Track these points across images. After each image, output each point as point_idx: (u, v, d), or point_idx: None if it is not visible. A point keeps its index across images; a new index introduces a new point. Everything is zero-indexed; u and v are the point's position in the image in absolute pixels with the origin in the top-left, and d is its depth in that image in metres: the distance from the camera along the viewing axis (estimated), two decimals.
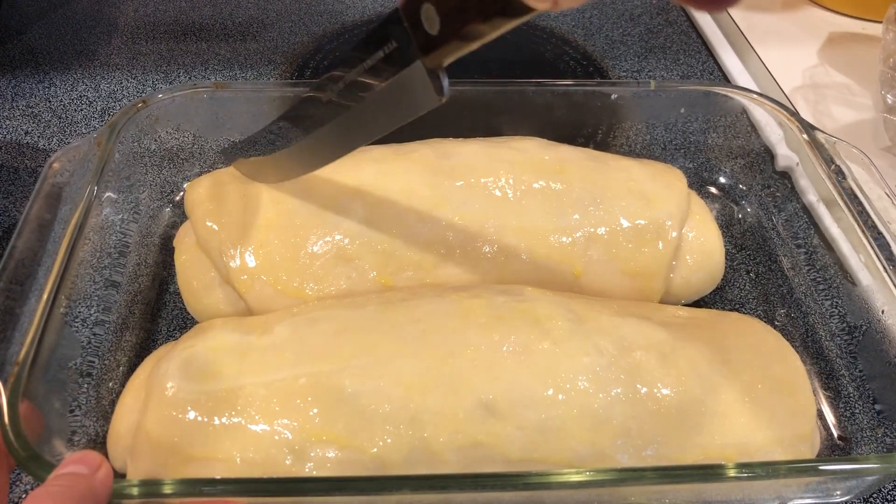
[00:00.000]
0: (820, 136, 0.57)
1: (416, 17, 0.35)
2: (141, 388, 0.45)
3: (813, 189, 0.62)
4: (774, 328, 0.51)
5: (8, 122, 0.74)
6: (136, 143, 0.59)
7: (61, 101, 0.77)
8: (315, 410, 0.41)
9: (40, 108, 0.76)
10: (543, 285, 0.51)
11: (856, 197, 0.53)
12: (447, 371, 0.42)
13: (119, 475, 0.41)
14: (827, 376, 0.54)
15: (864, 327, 0.53)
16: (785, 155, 0.63)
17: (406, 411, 0.41)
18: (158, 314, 0.57)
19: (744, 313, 0.56)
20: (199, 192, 0.54)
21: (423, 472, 0.41)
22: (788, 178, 0.63)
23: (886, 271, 0.49)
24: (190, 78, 0.81)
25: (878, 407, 0.50)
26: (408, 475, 0.40)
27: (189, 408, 0.42)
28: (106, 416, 0.48)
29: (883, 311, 0.51)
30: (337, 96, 0.43)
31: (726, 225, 0.66)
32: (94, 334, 0.51)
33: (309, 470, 0.41)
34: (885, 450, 0.48)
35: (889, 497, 0.49)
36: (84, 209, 0.49)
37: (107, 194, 0.54)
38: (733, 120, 0.65)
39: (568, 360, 0.43)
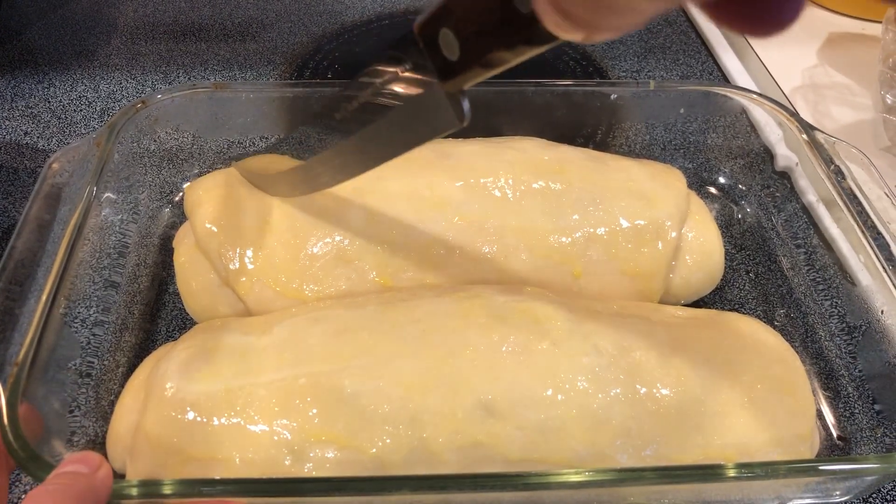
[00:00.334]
0: (819, 136, 0.57)
1: (434, 41, 0.33)
2: (140, 389, 0.45)
3: (812, 189, 0.62)
4: (774, 328, 0.51)
5: (7, 122, 0.74)
6: (135, 144, 0.59)
7: (61, 101, 0.77)
8: (314, 411, 0.41)
9: (40, 108, 0.76)
10: (543, 285, 0.51)
11: (855, 197, 0.53)
12: (447, 371, 0.42)
13: (118, 476, 0.41)
14: (826, 376, 0.54)
15: (864, 327, 0.53)
16: (784, 155, 0.63)
17: (405, 411, 0.41)
18: (158, 315, 0.57)
19: (743, 313, 0.56)
20: (199, 194, 0.54)
21: (422, 473, 0.41)
22: (788, 178, 0.63)
23: (886, 271, 0.49)
24: (189, 78, 0.81)
25: (877, 407, 0.50)
26: (407, 475, 0.40)
27: (188, 408, 0.42)
28: (105, 416, 0.48)
29: (882, 312, 0.51)
30: (351, 116, 0.41)
31: (726, 225, 0.66)
32: (94, 335, 0.51)
33: (308, 470, 0.41)
34: (884, 450, 0.48)
35: (889, 497, 0.49)
36: (83, 210, 0.49)
37: (106, 195, 0.54)
38: (733, 120, 0.65)
39: (567, 361, 0.43)
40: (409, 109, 0.37)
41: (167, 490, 0.37)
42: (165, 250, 0.61)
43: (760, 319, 0.53)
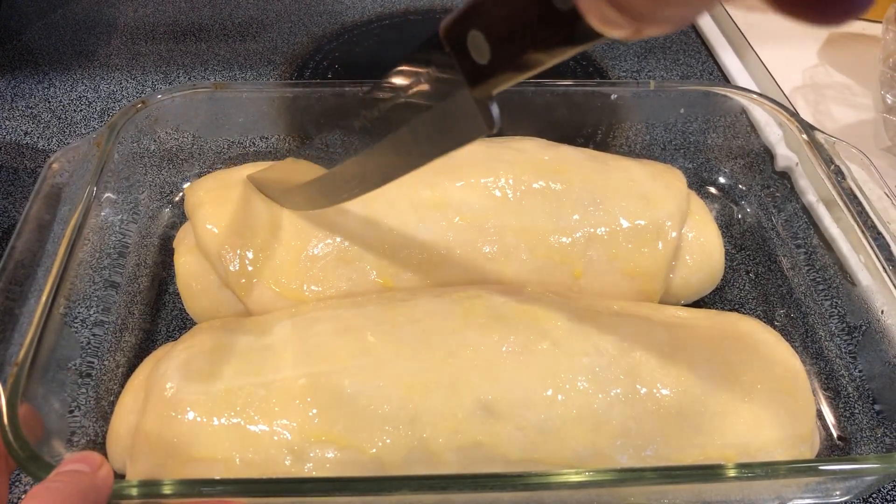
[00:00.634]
0: (819, 136, 0.57)
1: (462, 44, 0.31)
2: (140, 389, 0.45)
3: (812, 189, 0.62)
4: (774, 328, 0.51)
5: (7, 122, 0.74)
6: (135, 144, 0.59)
7: (61, 101, 0.77)
8: (314, 411, 0.41)
9: (40, 108, 0.76)
10: (543, 285, 0.51)
11: (855, 197, 0.53)
12: (447, 371, 0.42)
13: (118, 476, 0.41)
14: (826, 376, 0.54)
15: (864, 327, 0.53)
16: (784, 155, 0.63)
17: (405, 411, 0.41)
18: (158, 315, 0.57)
19: (743, 313, 0.56)
20: (200, 195, 0.54)
21: (422, 473, 0.41)
22: (788, 178, 0.63)
23: (886, 271, 0.49)
24: (189, 78, 0.81)
25: (877, 407, 0.50)
26: (407, 475, 0.40)
27: (188, 408, 0.42)
28: (105, 416, 0.48)
29: (882, 312, 0.51)
30: (372, 125, 0.39)
31: (726, 225, 0.66)
32: (94, 335, 0.51)
33: (308, 470, 0.41)
34: (884, 450, 0.48)
35: (889, 497, 0.49)
36: (83, 210, 0.49)
37: (106, 195, 0.54)
38: (733, 120, 0.65)
39: (567, 361, 0.43)
40: (434, 117, 0.35)
41: (167, 490, 0.37)
42: (165, 250, 0.61)
43: (760, 319, 0.53)
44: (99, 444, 0.46)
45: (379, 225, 0.51)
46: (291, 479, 0.40)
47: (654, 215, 0.53)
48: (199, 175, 0.64)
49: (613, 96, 0.64)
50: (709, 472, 0.39)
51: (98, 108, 0.76)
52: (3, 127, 0.73)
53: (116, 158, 0.55)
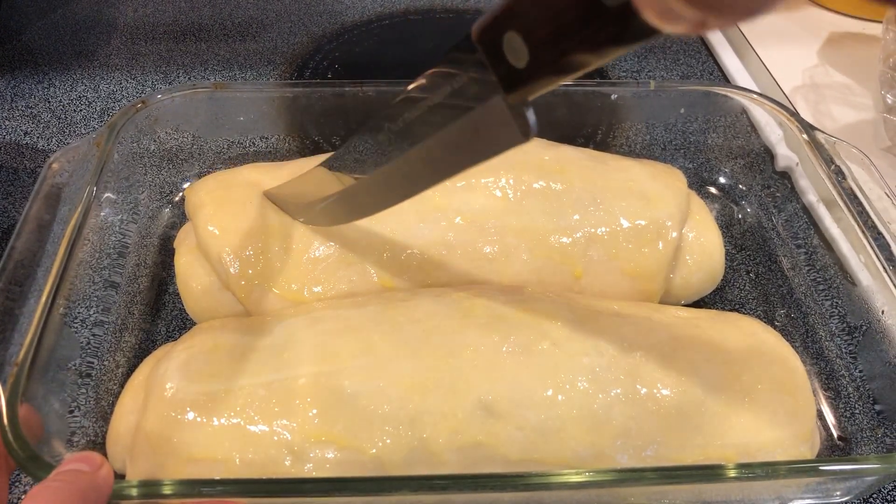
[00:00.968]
0: (820, 136, 0.57)
1: (497, 46, 0.29)
2: (140, 389, 0.45)
3: (813, 189, 0.62)
4: (774, 328, 0.51)
5: (7, 122, 0.74)
6: (135, 144, 0.59)
7: (60, 101, 0.77)
8: (314, 411, 0.41)
9: (39, 108, 0.76)
10: (544, 285, 0.51)
11: (856, 197, 0.53)
12: (447, 371, 0.42)
13: (118, 476, 0.41)
14: (827, 376, 0.54)
15: (864, 327, 0.53)
16: (785, 155, 0.63)
17: (405, 412, 0.41)
18: (158, 315, 0.57)
19: (744, 314, 0.56)
20: (201, 196, 0.54)
21: (422, 473, 0.41)
22: (788, 178, 0.63)
23: (886, 271, 0.49)
24: (189, 78, 0.81)
25: (877, 407, 0.50)
26: (407, 476, 0.40)
27: (188, 408, 0.42)
28: (105, 416, 0.48)
29: (883, 312, 0.51)
30: (398, 136, 0.37)
31: (726, 225, 0.66)
32: (94, 335, 0.51)
33: (308, 470, 0.41)
34: (884, 450, 0.48)
35: (889, 497, 0.49)
36: (83, 210, 0.49)
37: (106, 195, 0.54)
38: (733, 120, 0.65)
39: (568, 361, 0.43)
40: (465, 125, 0.33)
41: (167, 490, 0.37)
42: (165, 251, 0.60)
43: (761, 320, 0.53)
44: (99, 444, 0.46)
45: (380, 226, 0.51)
46: (291, 480, 0.40)
47: (654, 215, 0.53)
48: (199, 175, 0.64)
49: (613, 96, 0.64)
50: (709, 473, 0.39)
51: (98, 108, 0.76)
52: (3, 127, 0.73)
53: (116, 158, 0.55)
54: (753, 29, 0.88)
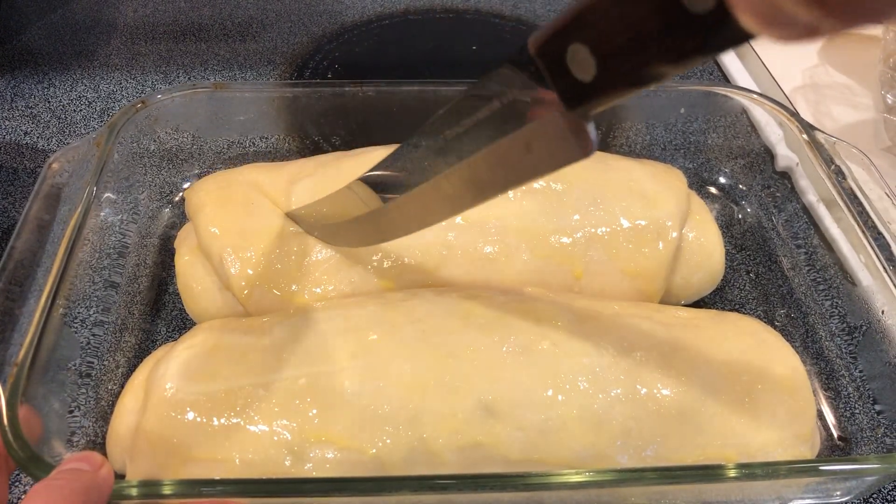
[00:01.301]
0: (820, 136, 0.57)
1: (559, 59, 0.27)
2: (140, 389, 0.45)
3: (813, 189, 0.62)
4: (774, 328, 0.51)
5: (7, 122, 0.74)
6: (135, 144, 0.59)
7: (60, 101, 0.77)
8: (314, 411, 0.41)
9: (39, 108, 0.76)
10: (544, 286, 0.51)
11: (856, 197, 0.53)
12: (447, 371, 0.42)
13: (118, 476, 0.41)
14: (827, 376, 0.54)
15: (865, 328, 0.53)
16: (785, 155, 0.63)
17: (405, 412, 0.41)
18: (157, 315, 0.57)
19: (744, 314, 0.56)
20: (201, 196, 0.54)
21: (422, 473, 0.41)
22: (788, 178, 0.63)
23: (886, 271, 0.49)
24: (189, 78, 0.81)
25: (878, 407, 0.50)
26: (407, 476, 0.40)
27: (188, 408, 0.42)
28: (105, 416, 0.48)
29: (883, 312, 0.51)
30: (435, 154, 0.36)
31: (726, 225, 0.66)
32: (94, 335, 0.51)
33: (308, 470, 0.41)
34: (884, 450, 0.48)
35: (889, 497, 0.49)
36: (83, 210, 0.49)
37: (106, 195, 0.54)
38: (733, 120, 0.65)
39: (568, 361, 0.43)
40: (514, 142, 0.31)
41: (167, 490, 0.37)
42: (165, 251, 0.60)
43: (761, 320, 0.53)
44: (99, 445, 0.46)
45: None
46: (291, 480, 0.40)
47: (654, 215, 0.53)
48: (199, 175, 0.64)
49: None
50: (709, 473, 0.39)
51: (98, 108, 0.76)
52: (3, 127, 0.73)
53: (116, 158, 0.55)
54: None
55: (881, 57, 0.72)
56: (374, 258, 0.51)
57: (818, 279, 0.58)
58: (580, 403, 0.42)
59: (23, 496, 0.46)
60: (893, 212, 0.52)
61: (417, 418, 0.41)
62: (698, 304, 0.58)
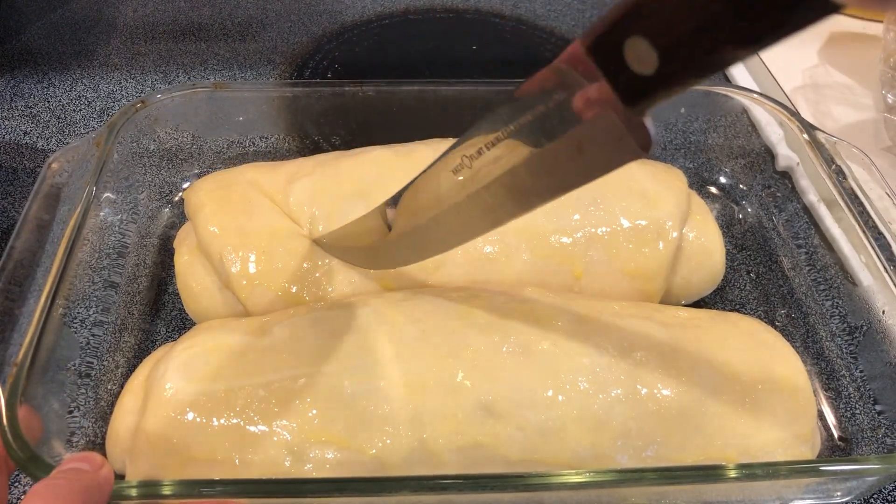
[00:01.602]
0: (820, 136, 0.57)
1: (615, 55, 0.26)
2: (140, 389, 0.45)
3: (813, 189, 0.62)
4: (775, 328, 0.51)
5: (7, 122, 0.74)
6: (134, 144, 0.59)
7: (60, 101, 0.77)
8: (314, 411, 0.41)
9: (39, 108, 0.76)
10: (544, 286, 0.51)
11: (856, 197, 0.53)
12: (447, 371, 0.42)
13: (118, 476, 0.41)
14: (827, 377, 0.54)
15: (865, 328, 0.53)
16: (785, 155, 0.63)
17: (405, 412, 0.41)
18: (157, 315, 0.57)
19: (744, 314, 0.56)
20: (201, 196, 0.54)
21: (422, 473, 0.41)
22: (789, 178, 0.63)
23: (887, 271, 0.49)
24: (189, 78, 0.81)
25: (878, 407, 0.50)
26: (407, 476, 0.40)
27: (188, 409, 0.42)
28: (105, 417, 0.47)
29: (884, 312, 0.51)
30: (479, 161, 0.34)
31: (726, 225, 0.66)
32: (93, 335, 0.51)
33: (308, 471, 0.40)
34: (885, 450, 0.48)
35: (889, 498, 0.49)
36: (83, 210, 0.49)
37: (105, 195, 0.54)
38: (733, 120, 0.65)
39: (568, 361, 0.43)
40: (564, 145, 0.29)
41: (167, 491, 0.37)
42: (165, 250, 0.60)
43: (761, 320, 0.53)
44: (98, 445, 0.46)
45: None
46: (291, 480, 0.40)
47: (654, 215, 0.53)
48: (199, 175, 0.64)
49: None
50: (709, 473, 0.39)
51: (98, 108, 0.76)
52: (3, 127, 0.73)
53: (116, 158, 0.55)
54: None
55: (881, 57, 0.72)
56: None
57: (819, 279, 0.58)
58: (580, 404, 0.42)
59: (23, 496, 0.46)
60: (894, 212, 0.52)
61: (417, 418, 0.41)
62: (698, 304, 0.58)
